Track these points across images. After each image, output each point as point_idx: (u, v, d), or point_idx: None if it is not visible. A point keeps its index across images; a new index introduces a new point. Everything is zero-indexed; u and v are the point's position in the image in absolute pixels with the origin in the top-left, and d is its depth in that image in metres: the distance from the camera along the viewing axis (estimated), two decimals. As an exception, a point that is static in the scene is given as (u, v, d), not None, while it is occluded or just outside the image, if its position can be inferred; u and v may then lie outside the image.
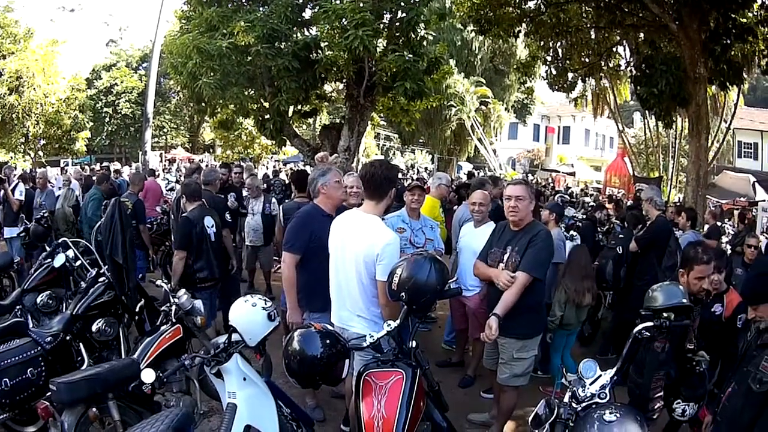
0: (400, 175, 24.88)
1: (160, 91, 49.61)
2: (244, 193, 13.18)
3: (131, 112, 50.00)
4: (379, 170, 5.57)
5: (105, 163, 33.38)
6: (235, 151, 43.72)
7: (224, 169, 13.37)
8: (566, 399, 4.42)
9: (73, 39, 57.43)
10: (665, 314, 4.81)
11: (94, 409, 5.17)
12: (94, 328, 7.28)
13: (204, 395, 6.00)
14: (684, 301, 4.93)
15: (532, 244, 6.15)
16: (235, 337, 4.96)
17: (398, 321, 4.85)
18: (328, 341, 4.43)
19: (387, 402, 4.56)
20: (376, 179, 5.55)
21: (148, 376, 4.62)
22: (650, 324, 4.70)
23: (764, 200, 12.81)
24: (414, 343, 4.97)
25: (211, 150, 50.84)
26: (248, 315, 4.96)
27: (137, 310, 7.79)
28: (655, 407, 5.46)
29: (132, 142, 48.64)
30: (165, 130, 53.41)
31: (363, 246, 5.45)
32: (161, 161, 39.73)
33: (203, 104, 22.61)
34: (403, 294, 4.76)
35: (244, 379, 4.88)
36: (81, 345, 7.06)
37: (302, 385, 4.87)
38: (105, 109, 52.20)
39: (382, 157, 59.30)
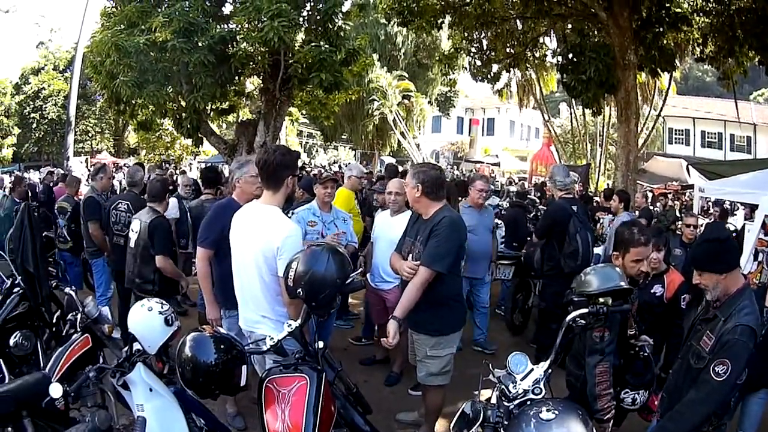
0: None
1: (85, 93, 49.15)
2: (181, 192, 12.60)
3: (58, 116, 49.42)
4: (273, 156, 5.17)
5: (52, 169, 32.67)
6: (156, 153, 43.52)
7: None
8: (494, 399, 4.10)
9: (5, 41, 56.74)
10: (601, 299, 4.49)
11: (9, 429, 4.78)
12: (11, 342, 6.75)
13: (123, 408, 5.70)
14: (622, 284, 4.58)
15: (433, 234, 5.81)
16: (137, 345, 4.58)
17: (300, 320, 4.52)
18: (222, 346, 4.07)
19: (291, 410, 4.20)
20: (269, 166, 5.14)
21: (56, 390, 4.24)
22: (585, 311, 4.41)
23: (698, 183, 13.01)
24: (321, 344, 4.68)
25: (135, 153, 50.45)
26: (144, 320, 4.58)
27: (54, 321, 7.36)
28: (605, 406, 5.08)
29: (59, 148, 47.98)
30: (90, 134, 52.91)
31: (261, 240, 5.13)
32: (87, 166, 39.14)
33: (123, 105, 21.98)
34: (299, 290, 4.39)
35: (150, 390, 4.48)
36: (0, 361, 6.65)
37: (199, 396, 4.45)
38: (32, 115, 51.60)
39: (305, 155, 59.70)
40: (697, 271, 4.49)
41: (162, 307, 4.66)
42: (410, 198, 6.05)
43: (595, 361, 5.02)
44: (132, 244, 8.09)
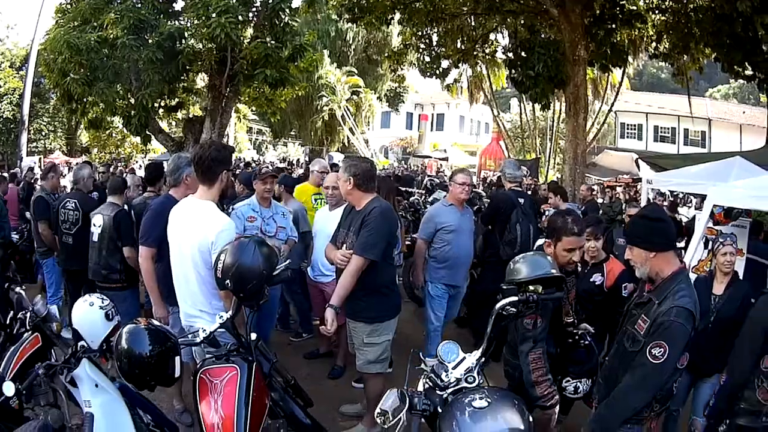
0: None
1: (40, 92, 48.42)
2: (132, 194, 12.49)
3: (13, 114, 48.65)
4: (207, 152, 5.23)
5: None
6: (107, 152, 43.04)
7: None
8: (420, 387, 4.14)
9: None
10: (531, 287, 4.52)
11: (-36, 430, 4.80)
12: (-37, 345, 6.81)
13: (75, 408, 5.69)
14: (553, 271, 4.65)
15: (365, 224, 5.90)
16: (83, 341, 4.56)
17: (230, 312, 4.58)
18: (156, 338, 4.06)
19: (224, 400, 4.24)
20: (204, 162, 5.20)
21: (8, 388, 4.17)
22: (515, 299, 4.44)
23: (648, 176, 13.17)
24: (254, 336, 4.73)
25: (87, 152, 49.86)
26: (86, 315, 4.56)
27: (8, 322, 7.36)
28: (545, 392, 5.05)
29: (13, 147, 47.21)
30: (44, 133, 52.18)
31: (196, 235, 5.16)
32: (40, 166, 38.50)
33: (74, 103, 21.91)
34: (228, 281, 4.45)
35: (96, 385, 4.43)
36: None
37: (137, 387, 4.42)
38: (-14, 114, 50.88)
39: (254, 152, 59.32)
40: (629, 245, 4.55)
41: (102, 302, 4.65)
42: (343, 191, 6.15)
43: (527, 348, 5.01)
44: (95, 238, 8.13)
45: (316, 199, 9.65)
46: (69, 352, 4.47)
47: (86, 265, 8.56)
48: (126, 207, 8.45)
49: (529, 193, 17.61)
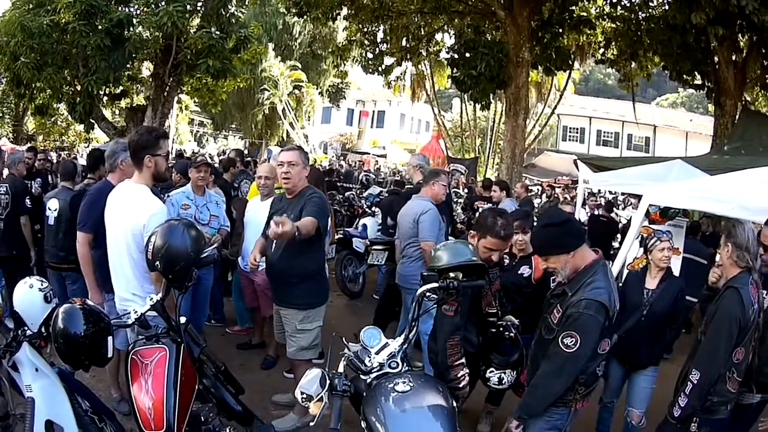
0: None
1: (-11, 77, 47.83)
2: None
3: (-40, 100, 47.91)
4: (135, 137, 5.39)
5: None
6: (52, 139, 42.65)
7: (30, 154, 12.68)
8: (341, 369, 4.19)
9: None
10: (452, 274, 4.60)
11: None
12: None
13: (20, 399, 5.66)
14: (474, 258, 4.73)
15: (308, 204, 6.00)
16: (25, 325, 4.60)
17: (160, 294, 4.64)
18: (91, 318, 4.12)
19: (154, 381, 4.28)
20: (132, 146, 5.39)
21: None
22: (435, 285, 4.50)
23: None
24: (183, 319, 4.80)
25: (33, 140, 49.15)
26: (26, 298, 4.63)
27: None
28: (458, 375, 5.10)
29: (-41, 134, 46.45)
30: (-9, 119, 51.45)
31: (129, 219, 5.30)
32: (-11, 154, 37.73)
33: (23, 88, 21.75)
34: (157, 263, 4.51)
35: (36, 370, 4.49)
36: None
37: (73, 367, 4.54)
38: (-65, 99, 49.95)
39: (195, 144, 58.97)
40: (542, 257, 4.67)
41: (42, 284, 4.70)
42: (299, 177, 6.21)
43: (446, 334, 5.09)
44: (51, 221, 8.16)
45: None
46: (10, 336, 4.49)
47: (14, 251, 9.04)
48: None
49: (467, 191, 17.84)
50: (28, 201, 9.27)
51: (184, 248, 4.51)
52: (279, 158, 6.37)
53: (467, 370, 5.26)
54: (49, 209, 8.24)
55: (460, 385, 5.13)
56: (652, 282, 6.49)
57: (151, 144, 5.35)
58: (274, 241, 6.20)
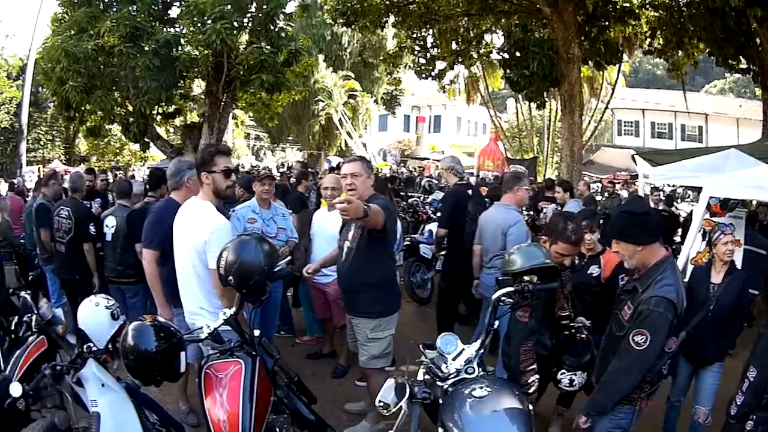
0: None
1: (37, 101, 48.13)
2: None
3: (10, 124, 48.33)
4: (198, 154, 5.49)
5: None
6: (106, 159, 42.94)
7: (90, 176, 12.75)
8: (420, 376, 4.15)
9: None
10: (527, 278, 4.55)
11: (-28, 431, 4.83)
12: (-30, 349, 6.83)
13: (82, 411, 5.72)
14: (547, 261, 4.66)
15: (372, 202, 5.81)
16: (89, 342, 4.60)
17: (233, 308, 4.60)
18: (162, 334, 4.08)
19: (229, 395, 4.26)
20: (196, 163, 5.49)
21: (15, 389, 4.31)
22: (510, 289, 4.46)
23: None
24: (257, 332, 4.78)
25: (86, 161, 49.58)
26: (92, 316, 4.66)
27: (12, 327, 7.41)
28: (529, 381, 5.12)
29: (11, 158, 46.70)
30: (42, 142, 51.90)
31: (193, 235, 5.35)
32: (39, 175, 38.17)
33: (72, 111, 21.89)
34: (230, 278, 4.46)
35: (103, 385, 4.51)
36: (-39, 369, 6.66)
37: (143, 383, 4.45)
38: (-16, 124, 50.59)
39: (253, 158, 59.23)
40: (614, 239, 4.62)
41: (108, 302, 4.73)
42: (364, 186, 6.13)
43: (520, 339, 5.08)
44: (109, 238, 8.57)
45: None
46: (75, 353, 4.51)
47: (77, 275, 9.09)
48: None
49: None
50: (92, 227, 9.24)
51: (258, 262, 4.48)
52: (342, 170, 6.34)
53: (537, 376, 5.27)
54: (107, 226, 8.66)
55: (530, 391, 5.11)
56: (717, 276, 6.36)
57: (206, 161, 5.39)
58: (344, 251, 6.21)
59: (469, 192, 9.54)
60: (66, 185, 9.97)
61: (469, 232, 9.00)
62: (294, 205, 10.24)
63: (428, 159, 49.86)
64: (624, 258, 4.57)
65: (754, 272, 8.59)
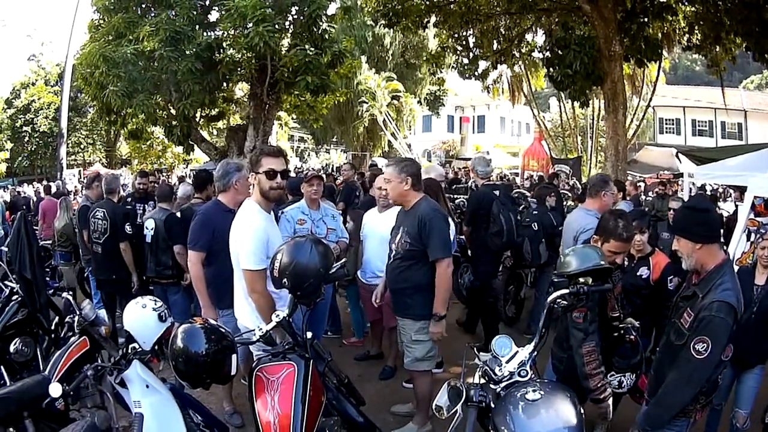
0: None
1: (76, 106, 48.68)
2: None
3: (50, 129, 48.85)
4: (249, 156, 5.48)
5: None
6: (149, 162, 43.34)
7: (144, 179, 12.64)
8: (476, 379, 4.11)
9: (-1, 56, 56.18)
10: (581, 279, 4.48)
11: (11, 430, 4.84)
12: (11, 348, 6.80)
13: (123, 411, 5.73)
14: (602, 262, 4.57)
15: (427, 226, 5.96)
16: (133, 342, 4.61)
17: (287, 311, 4.58)
18: (213, 336, 4.09)
19: (281, 397, 4.23)
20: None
21: (55, 390, 4.24)
22: (565, 291, 4.42)
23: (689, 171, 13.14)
24: (309, 334, 4.73)
25: (128, 164, 50.05)
26: (139, 318, 4.63)
27: (53, 327, 7.43)
28: (598, 384, 5.00)
29: (51, 161, 47.23)
30: (82, 146, 52.40)
31: (234, 235, 5.42)
32: (80, 179, 38.55)
33: (113, 115, 22.13)
34: (285, 280, 4.47)
35: (147, 386, 4.50)
36: (1, 367, 6.68)
37: (192, 386, 4.44)
38: (24, 128, 51.07)
39: (297, 159, 59.57)
40: (676, 235, 4.55)
41: (155, 304, 4.73)
42: (398, 191, 6.12)
43: (579, 341, 5.01)
44: (149, 239, 8.99)
45: None
46: (119, 354, 4.51)
47: (114, 275, 9.42)
48: (177, 213, 8.98)
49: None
50: (128, 227, 9.47)
51: (314, 265, 4.49)
52: (376, 184, 6.70)
53: (608, 381, 5.23)
54: (147, 228, 9.10)
55: (602, 396, 5.08)
56: (760, 278, 6.32)
57: (253, 162, 5.43)
58: (393, 252, 6.27)
59: (496, 192, 9.50)
60: (102, 187, 10.05)
61: (492, 233, 9.11)
62: (364, 206, 10.32)
63: (469, 160, 49.96)
64: (682, 256, 4.47)
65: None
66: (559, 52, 19.69)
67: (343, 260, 5.26)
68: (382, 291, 6.86)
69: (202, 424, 4.97)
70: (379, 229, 7.59)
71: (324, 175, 10.15)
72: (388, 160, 7.05)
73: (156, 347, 4.59)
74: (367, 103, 46.58)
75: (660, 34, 22.56)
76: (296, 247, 4.54)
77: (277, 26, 19.13)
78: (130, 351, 4.50)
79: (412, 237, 6.05)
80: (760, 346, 6.10)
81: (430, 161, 50.19)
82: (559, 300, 4.43)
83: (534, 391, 3.76)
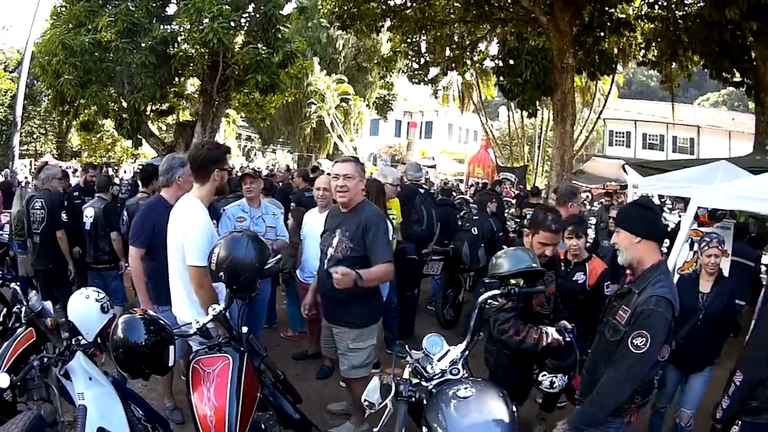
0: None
1: (32, 94, 47.91)
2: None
3: (4, 116, 48.12)
4: (201, 151, 5.48)
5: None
6: (98, 155, 42.84)
7: (94, 171, 12.60)
8: (406, 375, 4.21)
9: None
10: (513, 281, 4.56)
11: (-41, 422, 4.84)
12: (-43, 340, 6.86)
13: (68, 405, 5.72)
14: (534, 265, 4.69)
15: (371, 229, 5.91)
16: (78, 334, 4.62)
17: (223, 304, 4.65)
18: (152, 327, 4.12)
19: (216, 389, 4.27)
20: (198, 160, 5.45)
21: (3, 380, 4.30)
22: (497, 292, 4.50)
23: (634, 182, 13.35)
24: (245, 329, 4.80)
25: (78, 156, 49.44)
26: (82, 308, 4.66)
27: (1, 319, 7.42)
28: (535, 337, 5.22)
29: (4, 149, 46.54)
30: (35, 135, 51.68)
31: (177, 230, 5.45)
32: (32, 169, 37.93)
33: (66, 105, 22.05)
34: (221, 273, 4.54)
35: (90, 378, 4.52)
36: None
37: (132, 376, 4.39)
38: (-23, 116, 50.32)
39: (243, 158, 59.25)
40: (617, 228, 4.63)
41: (98, 295, 4.75)
42: (355, 190, 6.05)
43: (500, 326, 5.21)
44: (88, 226, 9.48)
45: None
46: (63, 346, 4.52)
47: (51, 264, 9.63)
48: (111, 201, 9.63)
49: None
50: (64, 215, 9.67)
51: (249, 259, 4.55)
52: (334, 170, 6.21)
53: (537, 327, 5.35)
54: (86, 216, 9.61)
55: (549, 341, 5.26)
56: (705, 285, 6.46)
57: (220, 158, 5.50)
58: (327, 257, 6.19)
59: (421, 190, 10.26)
60: (41, 177, 10.14)
61: (413, 221, 9.87)
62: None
63: (419, 163, 50.00)
64: (620, 249, 4.54)
65: (742, 283, 8.70)
66: (511, 61, 19.78)
67: (278, 256, 5.30)
68: (311, 302, 6.81)
69: (143, 418, 4.99)
70: (318, 229, 7.30)
71: (259, 173, 10.17)
72: (337, 159, 7.06)
73: (98, 339, 4.61)
74: (315, 104, 46.66)
75: (616, 49, 22.79)
76: (233, 242, 4.61)
77: (232, 23, 19.36)
78: (73, 342, 4.50)
79: (355, 241, 5.95)
80: (707, 351, 6.29)
81: (375, 165, 50.24)
82: (490, 300, 4.53)
83: (466, 388, 3.85)
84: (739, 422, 4.68)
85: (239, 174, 10.51)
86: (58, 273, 9.60)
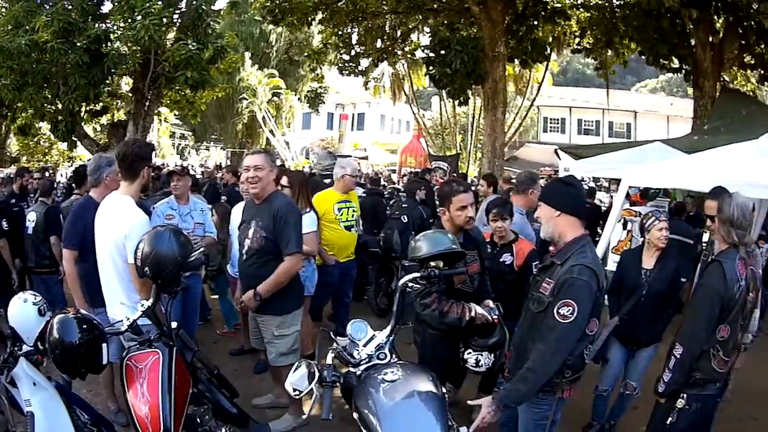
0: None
1: (-29, 99, 47.22)
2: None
3: (-55, 122, 47.33)
4: (130, 149, 5.50)
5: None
6: (36, 159, 42.30)
7: (28, 175, 12.57)
8: (329, 360, 4.19)
9: None
10: (433, 263, 4.61)
11: None
12: None
13: (19, 416, 5.65)
14: (453, 246, 4.71)
15: (281, 219, 6.04)
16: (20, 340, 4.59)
17: (150, 300, 4.69)
18: (84, 326, 4.15)
19: (149, 385, 4.37)
20: (127, 158, 5.47)
21: None
22: (417, 275, 4.58)
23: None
24: (174, 324, 4.87)
25: (16, 162, 48.69)
26: (20, 312, 4.61)
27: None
28: (459, 311, 5.27)
29: (-59, 157, 45.79)
30: (-28, 142, 50.96)
31: (112, 229, 5.44)
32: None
33: (4, 109, 22.03)
34: (146, 269, 4.61)
35: (34, 384, 4.48)
36: None
37: (70, 376, 4.57)
38: None
39: (178, 157, 58.90)
40: (539, 202, 4.66)
41: (35, 298, 4.70)
42: (267, 181, 6.18)
43: (423, 305, 5.24)
44: (30, 231, 9.35)
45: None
46: (7, 352, 4.49)
47: None
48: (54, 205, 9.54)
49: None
50: (3, 223, 9.67)
51: (172, 253, 4.60)
52: (245, 162, 6.37)
53: (460, 302, 5.39)
54: (29, 221, 9.47)
55: (473, 315, 5.33)
56: (649, 261, 6.59)
57: (148, 156, 5.57)
58: (245, 249, 6.32)
59: (326, 181, 10.96)
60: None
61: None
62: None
63: (350, 156, 50.04)
64: (542, 222, 4.60)
65: (683, 261, 8.80)
66: (441, 51, 19.91)
67: (202, 249, 5.32)
68: (239, 298, 6.66)
69: (89, 422, 4.95)
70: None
71: (187, 170, 10.17)
72: (251, 149, 7.12)
73: (39, 343, 4.56)
74: (247, 99, 46.52)
75: (550, 37, 23.08)
76: (156, 237, 4.68)
77: (164, 20, 19.21)
78: (16, 348, 4.49)
79: (267, 231, 6.09)
80: (653, 327, 6.44)
81: (307, 158, 50.12)
82: (410, 284, 4.63)
83: (393, 372, 3.94)
84: (684, 395, 4.74)
85: (168, 171, 10.48)
86: (1, 282, 9.55)
